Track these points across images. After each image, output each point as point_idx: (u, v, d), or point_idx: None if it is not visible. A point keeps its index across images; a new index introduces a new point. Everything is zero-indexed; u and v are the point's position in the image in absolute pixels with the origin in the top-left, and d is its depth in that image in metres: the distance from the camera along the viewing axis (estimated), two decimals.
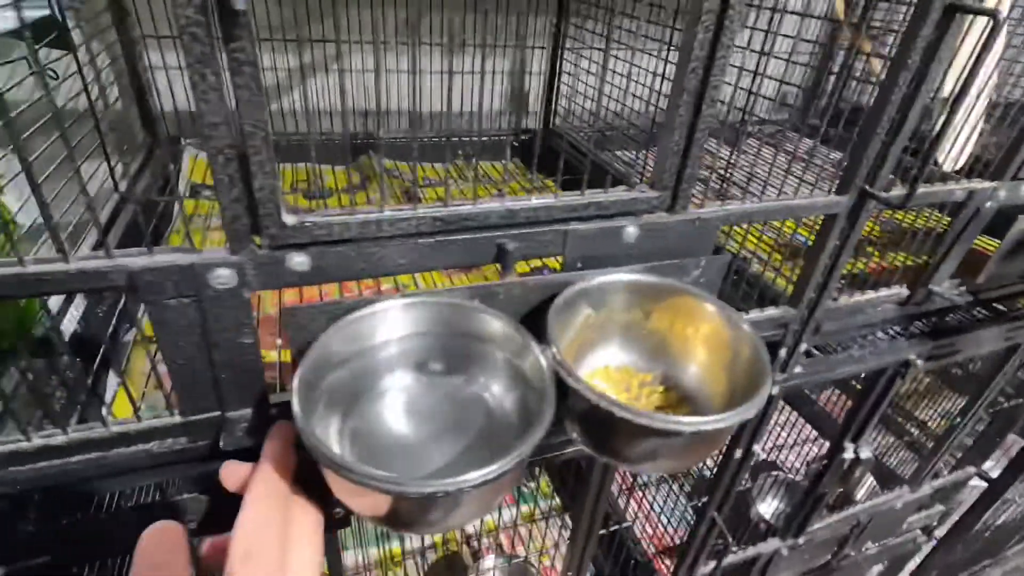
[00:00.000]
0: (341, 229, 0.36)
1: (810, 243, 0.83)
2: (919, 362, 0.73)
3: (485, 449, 0.36)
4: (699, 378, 0.42)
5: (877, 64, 0.79)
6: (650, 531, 1.19)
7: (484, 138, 1.08)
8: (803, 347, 0.64)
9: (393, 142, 1.04)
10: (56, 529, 0.41)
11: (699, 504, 0.90)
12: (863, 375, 0.80)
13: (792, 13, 0.71)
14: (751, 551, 0.95)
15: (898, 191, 0.54)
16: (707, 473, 1.28)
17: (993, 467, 1.25)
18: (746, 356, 0.39)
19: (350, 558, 1.03)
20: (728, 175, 0.79)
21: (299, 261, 0.36)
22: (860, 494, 1.10)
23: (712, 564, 0.92)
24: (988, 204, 0.60)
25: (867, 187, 0.52)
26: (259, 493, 0.33)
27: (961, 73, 0.49)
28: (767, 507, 1.23)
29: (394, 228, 0.37)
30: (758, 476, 1.25)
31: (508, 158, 1.11)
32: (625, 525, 1.07)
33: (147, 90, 0.86)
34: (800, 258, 0.76)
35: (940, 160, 0.57)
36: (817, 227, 0.57)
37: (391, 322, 0.37)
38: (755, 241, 0.87)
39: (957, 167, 0.58)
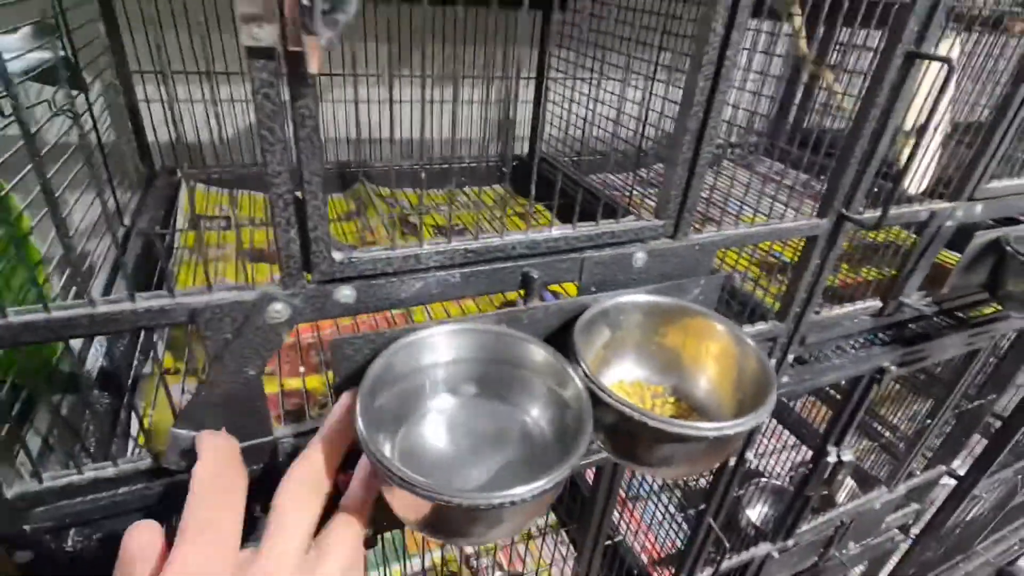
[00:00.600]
0: (384, 264, 0.39)
1: (786, 258, 0.89)
2: (893, 368, 0.79)
3: (525, 467, 0.39)
4: (709, 390, 0.46)
5: (841, 96, 0.86)
6: (645, 543, 1.21)
7: (475, 164, 1.12)
8: (790, 357, 0.69)
9: (386, 170, 1.07)
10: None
11: (692, 513, 0.94)
12: (841, 382, 0.85)
13: (761, 52, 0.78)
14: (744, 556, 0.99)
15: (870, 213, 0.59)
16: (696, 483, 1.32)
17: (960, 465, 1.33)
18: (752, 368, 0.43)
19: None
20: (710, 197, 0.85)
21: (346, 294, 0.39)
22: (841, 497, 1.16)
23: (709, 571, 0.95)
24: (948, 223, 0.66)
25: (844, 211, 0.58)
26: (303, 475, 0.34)
27: (921, 108, 0.55)
28: (756, 513, 1.27)
29: (431, 261, 0.41)
30: (746, 484, 1.29)
31: (505, 182, 1.15)
32: (618, 539, 1.10)
33: (143, 123, 0.87)
34: (778, 273, 0.82)
35: (905, 185, 0.63)
36: (792, 243, 0.62)
37: (437, 348, 0.40)
38: (735, 257, 0.93)
39: (920, 190, 0.64)
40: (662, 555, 1.16)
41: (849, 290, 0.75)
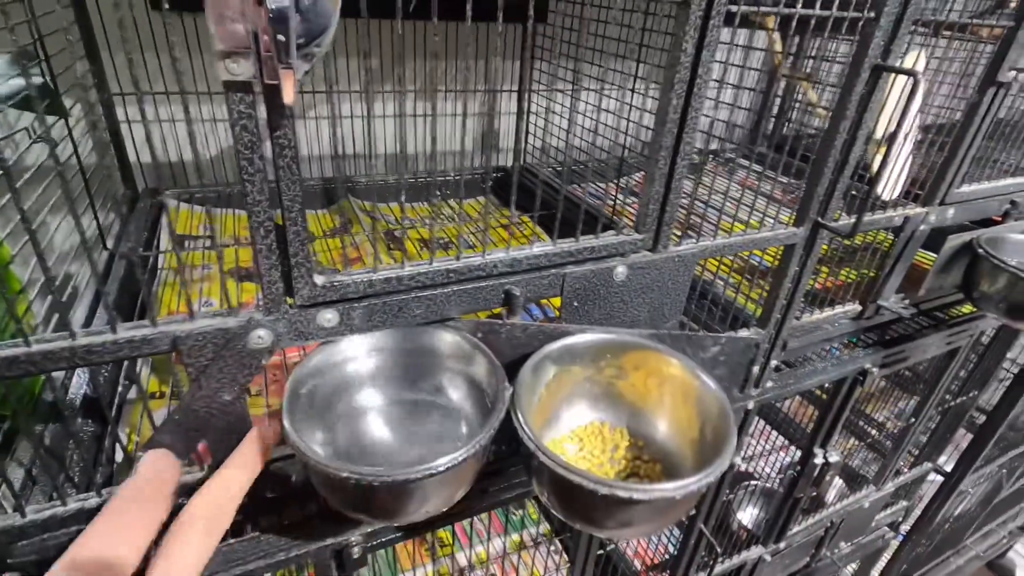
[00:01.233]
0: (366, 286, 0.39)
1: (766, 262, 0.90)
2: (875, 370, 0.81)
3: (448, 445, 0.40)
4: (667, 432, 0.45)
5: (814, 96, 0.88)
6: (637, 549, 1.22)
7: (459, 176, 1.13)
8: (773, 363, 0.70)
9: (371, 184, 1.08)
10: None
11: (685, 519, 0.95)
12: (826, 384, 0.86)
13: (735, 66, 0.79)
14: (736, 560, 1.00)
15: (845, 220, 0.61)
16: None
17: (947, 461, 1.35)
18: (711, 410, 0.41)
19: None
20: (691, 205, 0.86)
21: (328, 318, 0.39)
22: (831, 497, 1.17)
23: (702, 575, 0.96)
24: (921, 227, 0.68)
25: (819, 219, 0.59)
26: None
27: (891, 118, 0.56)
28: (747, 516, 1.28)
29: (412, 282, 0.41)
30: (737, 487, 1.30)
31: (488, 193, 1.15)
32: (610, 547, 1.10)
33: (125, 145, 0.87)
34: (760, 277, 0.83)
35: (879, 191, 0.64)
36: (773, 249, 0.64)
37: (355, 346, 0.41)
38: (716, 263, 0.94)
39: (895, 196, 0.66)
40: (655, 561, 1.16)
41: (830, 293, 0.77)
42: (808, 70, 1.05)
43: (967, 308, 0.94)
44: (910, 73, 0.48)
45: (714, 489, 0.85)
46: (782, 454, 1.46)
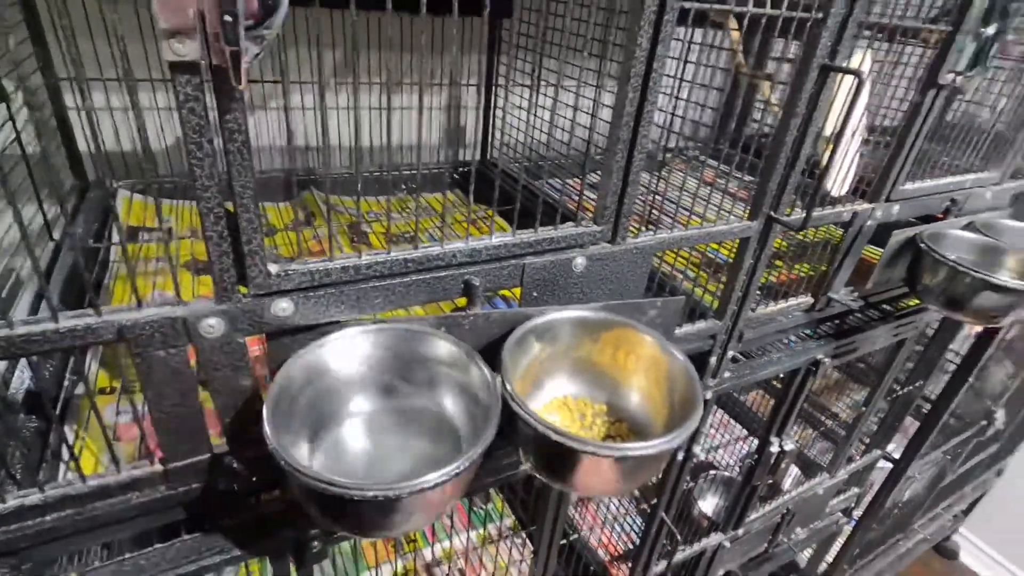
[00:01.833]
0: (321, 275, 0.39)
1: (723, 255, 0.93)
2: (826, 360, 0.84)
3: (441, 458, 0.40)
4: (640, 403, 0.47)
5: (774, 98, 0.91)
6: (602, 539, 1.24)
7: (424, 171, 1.12)
8: (730, 354, 0.72)
9: (334, 177, 1.06)
10: None
11: (647, 508, 0.97)
12: (781, 375, 0.89)
13: (702, 64, 0.81)
14: (697, 547, 1.03)
15: (798, 214, 0.63)
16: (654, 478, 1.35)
17: (895, 449, 1.41)
18: (680, 381, 0.44)
19: None
20: (653, 201, 0.87)
21: (283, 307, 0.38)
22: (787, 484, 1.21)
23: (663, 564, 0.98)
24: (868, 222, 0.71)
25: (772, 213, 0.61)
26: None
27: (839, 116, 0.58)
28: (708, 504, 1.32)
29: (370, 271, 0.41)
30: (698, 476, 1.33)
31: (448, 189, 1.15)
32: (573, 537, 1.12)
33: (73, 133, 0.84)
34: (720, 272, 0.85)
35: (828, 187, 0.67)
36: (729, 244, 0.66)
37: (347, 351, 0.41)
38: (673, 257, 0.96)
39: (843, 192, 0.69)
40: (619, 551, 1.18)
41: (786, 286, 0.79)
42: (769, 71, 1.08)
43: (914, 301, 0.98)
44: (855, 73, 0.51)
45: (675, 478, 0.87)
46: (742, 444, 1.50)
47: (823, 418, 1.42)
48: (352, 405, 0.42)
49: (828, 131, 0.60)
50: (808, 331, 0.89)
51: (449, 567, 1.14)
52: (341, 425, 0.42)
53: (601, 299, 0.53)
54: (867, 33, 0.65)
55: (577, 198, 0.98)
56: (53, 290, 0.64)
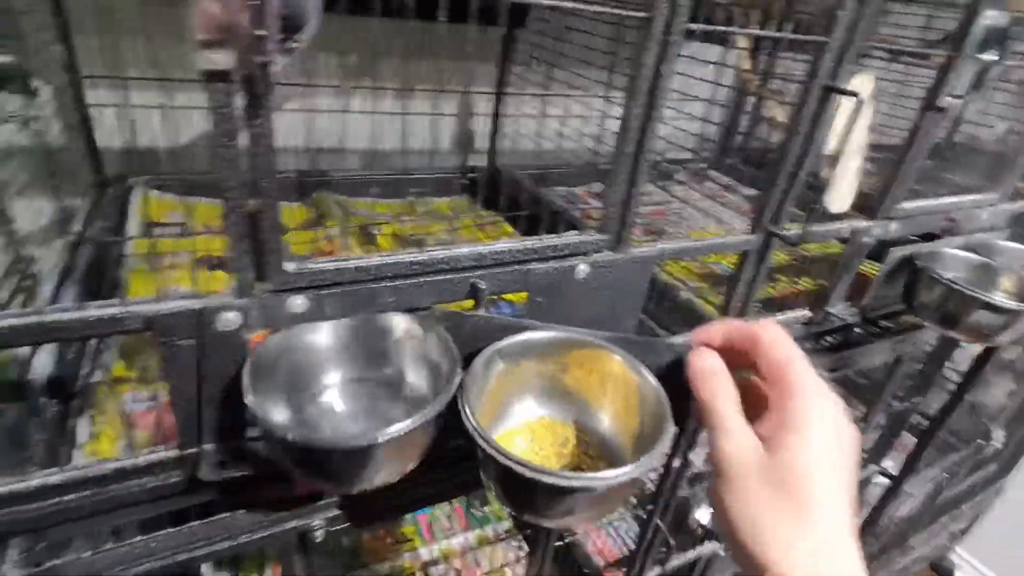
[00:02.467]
0: (336, 274, 0.41)
1: (724, 265, 0.94)
2: (824, 373, 0.85)
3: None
4: (610, 426, 0.46)
5: (780, 115, 0.93)
6: (598, 544, 1.25)
7: (434, 175, 1.14)
8: None
9: (346, 179, 1.08)
10: None
11: (643, 515, 0.98)
12: None
13: (704, 81, 0.83)
14: (691, 554, 1.04)
15: (798, 229, 0.64)
16: (646, 485, 1.36)
17: (892, 465, 1.41)
18: (651, 406, 0.42)
19: None
20: (654, 213, 0.89)
21: (298, 303, 0.40)
22: None
23: (657, 570, 0.99)
24: (866, 239, 0.72)
25: (772, 227, 0.63)
26: None
27: (842, 135, 0.60)
28: (704, 513, 1.32)
29: (381, 272, 0.43)
30: (695, 484, 1.34)
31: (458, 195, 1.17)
32: (569, 539, 1.13)
33: (93, 129, 0.86)
34: (721, 284, 0.87)
35: (827, 203, 0.68)
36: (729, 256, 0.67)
37: (319, 330, 0.44)
38: (676, 267, 0.98)
39: (845, 208, 0.70)
40: (615, 556, 1.19)
41: (788, 300, 0.81)
42: (774, 88, 1.10)
43: (913, 318, 0.99)
44: (854, 95, 0.52)
45: (671, 486, 0.89)
46: None
47: None
48: (325, 379, 0.45)
49: (829, 149, 0.62)
50: (809, 346, 0.90)
51: (446, 567, 1.15)
52: (316, 396, 0.44)
53: (603, 305, 0.55)
54: (873, 54, 0.66)
55: (582, 206, 1.00)
56: (73, 282, 0.66)
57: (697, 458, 0.88)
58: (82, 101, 0.84)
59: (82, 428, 0.53)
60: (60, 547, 0.45)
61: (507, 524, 1.27)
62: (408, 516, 1.21)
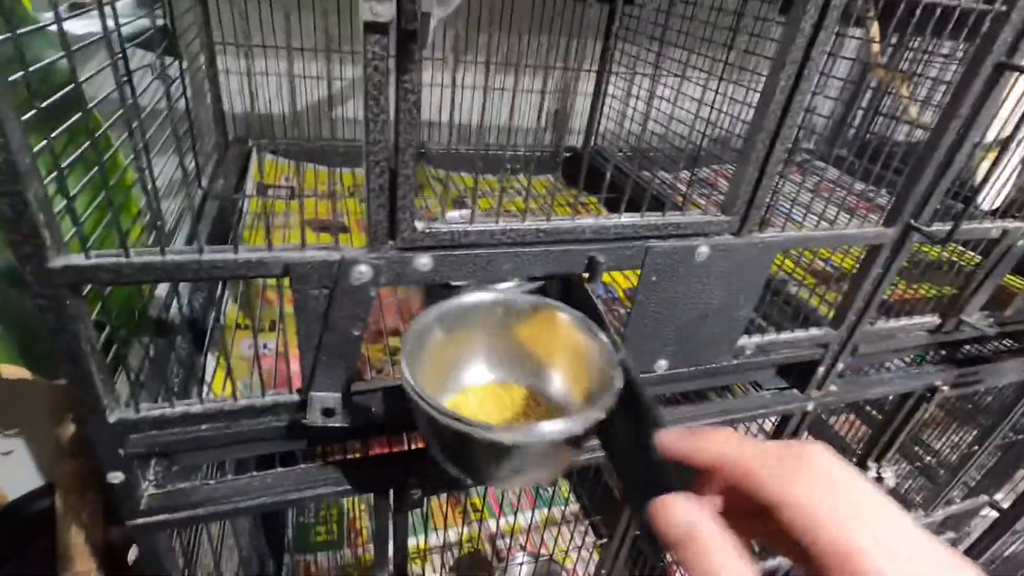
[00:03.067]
0: (461, 236, 0.41)
1: (834, 262, 0.87)
2: (945, 388, 0.78)
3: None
4: (560, 386, 0.45)
5: (913, 107, 0.84)
6: None
7: (530, 153, 1.13)
8: (840, 366, 0.69)
9: (443, 152, 1.10)
10: None
11: None
12: (888, 399, 0.84)
13: (828, 54, 0.76)
14: (766, 566, 0.99)
15: (938, 226, 0.58)
16: None
17: (1003, 499, 1.28)
18: (598, 364, 0.41)
19: None
20: (771, 202, 0.84)
21: (423, 262, 0.41)
22: None
23: None
24: (1020, 243, 0.65)
25: (913, 222, 0.57)
26: None
27: (1006, 121, 0.54)
28: None
29: (505, 237, 0.42)
30: None
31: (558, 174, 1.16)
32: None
33: (220, 93, 0.92)
34: (835, 281, 0.81)
35: (979, 200, 0.61)
36: (843, 252, 0.62)
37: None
38: (791, 265, 0.92)
39: (994, 207, 0.63)
40: None
41: (904, 305, 0.74)
42: (904, 68, 1.00)
43: None
44: None
45: None
46: None
47: (922, 453, 1.32)
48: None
49: (990, 137, 0.55)
50: (919, 358, 0.83)
51: (511, 541, 1.17)
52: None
53: (720, 291, 0.52)
54: None
55: (681, 192, 0.96)
56: (201, 231, 0.71)
57: None
58: (214, 65, 0.89)
59: (209, 366, 0.57)
60: (192, 470, 0.49)
61: (574, 507, 1.27)
62: (479, 487, 1.23)
